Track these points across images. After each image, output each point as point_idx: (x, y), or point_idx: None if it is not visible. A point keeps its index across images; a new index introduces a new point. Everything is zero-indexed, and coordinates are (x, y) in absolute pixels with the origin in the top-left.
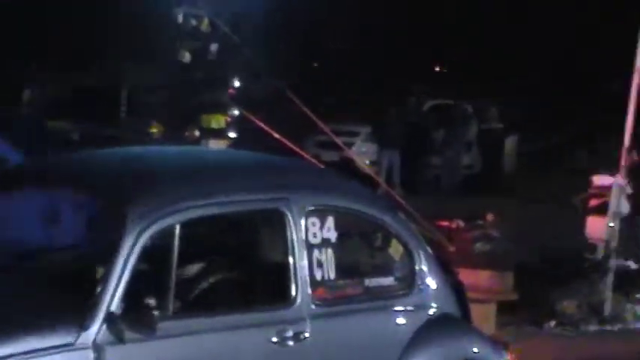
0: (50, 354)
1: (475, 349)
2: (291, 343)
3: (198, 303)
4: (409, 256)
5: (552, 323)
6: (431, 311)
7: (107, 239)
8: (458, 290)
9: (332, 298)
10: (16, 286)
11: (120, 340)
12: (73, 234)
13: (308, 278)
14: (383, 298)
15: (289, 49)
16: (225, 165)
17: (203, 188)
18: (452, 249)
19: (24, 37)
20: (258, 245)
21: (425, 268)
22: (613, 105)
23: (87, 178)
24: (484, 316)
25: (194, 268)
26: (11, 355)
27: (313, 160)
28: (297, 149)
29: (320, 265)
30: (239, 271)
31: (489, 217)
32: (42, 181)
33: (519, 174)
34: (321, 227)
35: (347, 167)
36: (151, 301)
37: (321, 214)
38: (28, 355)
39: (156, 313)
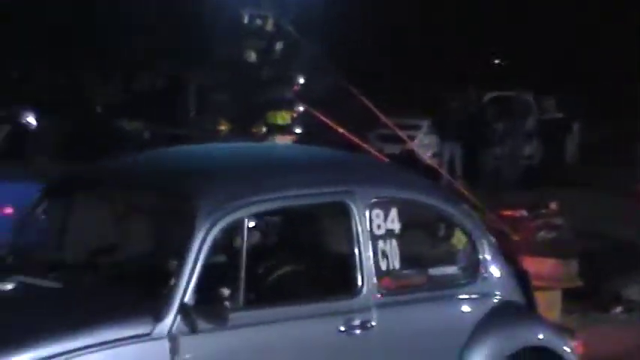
0: (128, 344)
1: (540, 336)
2: (358, 331)
3: (267, 294)
4: (472, 246)
5: (618, 309)
6: (495, 299)
7: (179, 234)
8: (522, 278)
9: (397, 288)
10: (94, 282)
11: (193, 330)
12: (147, 231)
13: (373, 268)
14: (447, 286)
15: (349, 45)
16: (291, 159)
17: (269, 182)
18: (516, 238)
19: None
20: (325, 237)
21: (488, 256)
22: None
23: (157, 176)
24: (549, 303)
25: (263, 261)
26: (92, 345)
27: (376, 154)
28: (361, 143)
29: (384, 255)
30: (306, 262)
31: (552, 205)
32: (115, 182)
33: (581, 164)
34: (385, 218)
35: (409, 160)
36: (223, 293)
37: (385, 205)
38: (108, 345)
39: (227, 304)
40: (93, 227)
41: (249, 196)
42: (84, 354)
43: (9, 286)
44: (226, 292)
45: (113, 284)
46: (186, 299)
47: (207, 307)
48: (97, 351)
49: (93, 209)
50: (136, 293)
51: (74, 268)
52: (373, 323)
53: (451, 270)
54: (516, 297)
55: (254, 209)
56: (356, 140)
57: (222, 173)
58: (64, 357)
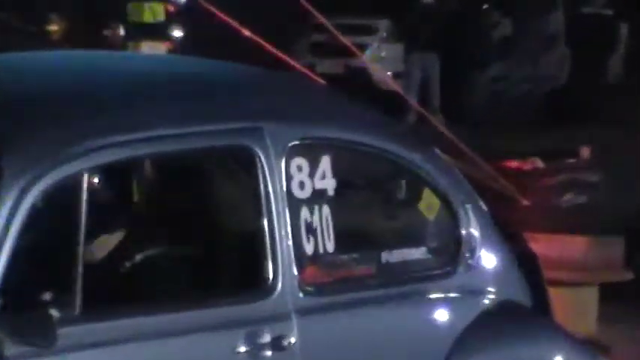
0: None
1: (556, 357)
2: (268, 353)
3: (120, 296)
4: (451, 215)
5: None
6: (485, 300)
7: None
8: (530, 267)
9: (330, 283)
10: None
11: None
12: None
13: (293, 252)
14: (410, 280)
15: None
16: (162, 81)
17: (126, 117)
18: (525, 203)
19: None
20: (214, 204)
21: (476, 232)
22: None
23: None
24: (578, 306)
25: (114, 242)
26: None
27: (305, 72)
28: (280, 55)
29: (311, 231)
30: (184, 244)
31: (584, 152)
32: None
33: (628, 88)
34: (312, 173)
35: (357, 82)
36: (47, 296)
37: (312, 152)
38: None
39: (54, 312)
40: None
41: (90, 139)
42: None
43: None
44: (52, 294)
45: None
46: None
47: (22, 318)
48: None
49: None
50: None
51: None
52: (292, 340)
53: (417, 253)
54: (520, 295)
55: (99, 159)
56: (271, 50)
57: (46, 104)
58: None
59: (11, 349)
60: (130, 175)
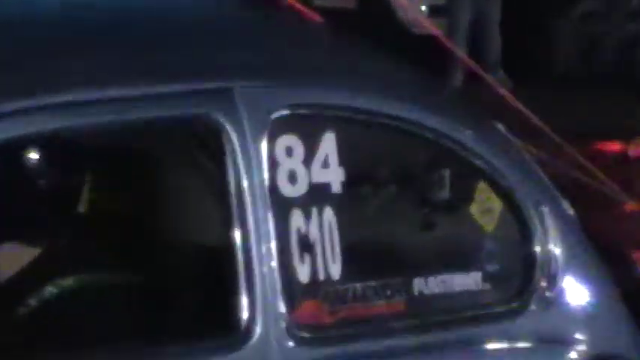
0: None
1: None
2: None
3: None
4: (520, 224)
5: None
6: (572, 353)
7: None
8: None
9: (334, 326)
10: None
11: None
12: None
13: (279, 279)
14: (457, 322)
15: None
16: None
17: (39, 73)
18: (633, 207)
19: None
20: (160, 207)
21: (558, 249)
22: None
23: None
24: None
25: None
26: None
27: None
28: None
29: (306, 247)
30: (116, 267)
31: None
32: None
33: None
34: (308, 159)
35: (375, 21)
36: None
37: (308, 127)
38: None
39: None
40: None
41: None
42: None
43: None
44: None
45: None
46: None
47: None
48: None
49: None
50: None
51: None
52: None
53: (467, 282)
54: (624, 346)
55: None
56: None
57: None
58: None
59: None
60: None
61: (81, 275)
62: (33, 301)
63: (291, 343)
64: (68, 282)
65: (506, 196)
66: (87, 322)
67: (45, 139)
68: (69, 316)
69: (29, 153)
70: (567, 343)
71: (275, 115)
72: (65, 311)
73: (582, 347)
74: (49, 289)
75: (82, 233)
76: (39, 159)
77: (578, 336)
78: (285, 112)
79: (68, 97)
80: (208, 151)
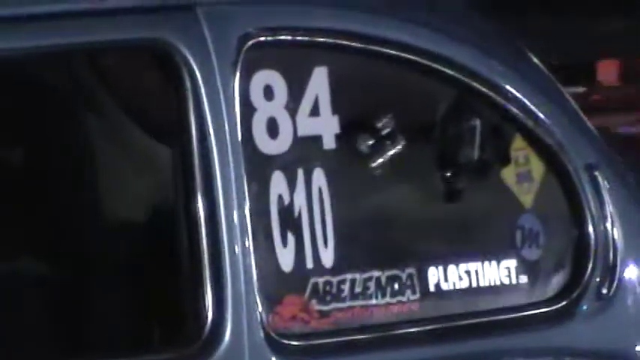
0: None
1: None
2: None
3: None
4: (568, 193)
5: None
6: None
7: None
8: None
9: (327, 332)
10: None
11: None
12: None
13: (254, 269)
14: (486, 327)
15: None
16: None
17: None
18: None
19: None
20: (98, 158)
21: (618, 231)
22: None
23: None
24: None
25: None
26: None
27: None
28: None
29: (291, 224)
30: (46, 254)
31: None
32: None
33: None
34: (293, 100)
35: None
36: None
37: (292, 58)
38: None
39: None
40: None
41: None
42: None
43: None
44: None
45: None
46: None
47: None
48: None
49: None
50: None
51: None
52: None
53: (501, 274)
54: None
55: None
56: None
57: None
58: None
59: None
60: None
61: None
62: None
63: (268, 354)
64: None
65: (550, 156)
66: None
67: None
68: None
69: None
70: (629, 357)
71: (250, 42)
72: None
73: None
74: None
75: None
76: None
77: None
78: (262, 37)
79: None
80: (162, 88)
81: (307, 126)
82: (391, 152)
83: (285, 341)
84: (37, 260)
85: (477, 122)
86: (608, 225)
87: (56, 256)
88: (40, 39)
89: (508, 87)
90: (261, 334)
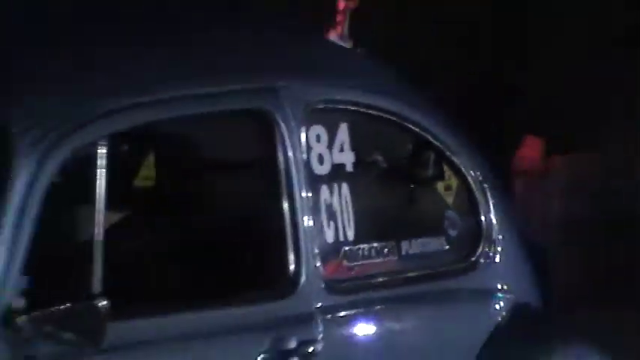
0: None
1: None
2: None
3: (145, 291)
4: (470, 197)
5: None
6: (502, 301)
7: None
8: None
9: (352, 277)
10: None
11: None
12: None
13: (316, 241)
14: (432, 275)
15: None
16: (164, 34)
17: (137, 76)
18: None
19: None
20: (230, 181)
21: (496, 220)
22: None
23: None
24: None
25: (127, 227)
26: None
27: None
28: None
29: (331, 215)
30: (200, 231)
31: None
32: None
33: None
34: (331, 143)
35: None
36: (97, 285)
37: (332, 118)
38: None
39: (103, 304)
40: None
41: (102, 102)
42: None
43: None
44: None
45: None
46: (14, 297)
47: (63, 311)
48: None
49: None
50: None
51: None
52: (319, 347)
53: (437, 244)
54: (533, 296)
55: (113, 125)
56: None
57: (46, 65)
58: None
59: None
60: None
61: (169, 234)
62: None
63: (325, 292)
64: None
65: (460, 175)
66: (170, 276)
67: (138, 130)
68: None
69: (127, 140)
70: (503, 292)
71: (309, 109)
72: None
73: (508, 295)
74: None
75: (161, 202)
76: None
77: (505, 286)
78: (317, 106)
79: (155, 95)
80: (259, 138)
81: (337, 157)
82: (379, 174)
83: (332, 285)
84: (207, 233)
85: (430, 154)
86: (491, 215)
87: (216, 232)
88: (192, 109)
89: (441, 134)
90: (320, 280)
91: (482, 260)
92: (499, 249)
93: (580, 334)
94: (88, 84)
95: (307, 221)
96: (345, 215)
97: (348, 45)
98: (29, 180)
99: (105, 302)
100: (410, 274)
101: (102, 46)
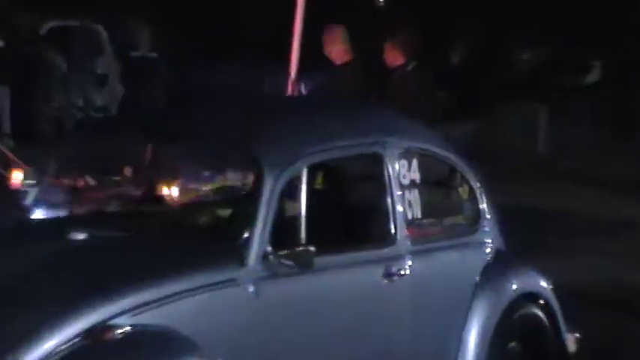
0: (216, 289)
1: (533, 283)
2: (395, 279)
3: (327, 241)
4: (473, 195)
5: None
6: (489, 248)
7: (249, 185)
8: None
9: (421, 237)
10: (161, 230)
11: (275, 275)
12: (205, 182)
13: (403, 217)
14: (458, 235)
15: None
16: (329, 112)
17: (321, 134)
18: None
19: None
20: (362, 187)
21: (487, 206)
22: None
23: (219, 126)
24: None
25: (315, 210)
26: (183, 291)
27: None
28: None
29: (410, 205)
30: (348, 212)
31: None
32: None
33: None
34: (409, 169)
35: None
36: (305, 239)
37: (409, 155)
38: (199, 291)
39: (312, 249)
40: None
41: (305, 147)
42: (176, 300)
43: (82, 237)
44: (305, 237)
45: (182, 232)
46: (266, 245)
47: (291, 252)
48: (188, 297)
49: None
50: (210, 240)
51: (136, 218)
52: (407, 271)
53: (459, 218)
54: (503, 246)
55: (310, 160)
56: None
57: (280, 124)
58: (157, 303)
59: (283, 269)
60: (322, 169)
61: (336, 216)
62: (327, 224)
63: (409, 243)
64: (333, 217)
65: (466, 181)
66: (338, 233)
67: (323, 164)
68: (333, 229)
69: (316, 170)
70: (488, 244)
71: (399, 151)
72: (334, 227)
73: (493, 245)
74: (333, 219)
75: (325, 195)
76: (320, 174)
77: (489, 240)
78: (403, 150)
79: (335, 144)
80: (378, 167)
81: (412, 175)
82: (431, 183)
83: (412, 239)
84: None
85: (456, 174)
86: (484, 204)
87: (350, 217)
88: (344, 153)
89: (457, 163)
90: (407, 237)
91: (480, 227)
92: (488, 221)
93: (528, 264)
94: (299, 137)
95: (399, 207)
96: (416, 204)
97: None
98: (271, 186)
99: (312, 247)
100: (447, 234)
101: (303, 117)
